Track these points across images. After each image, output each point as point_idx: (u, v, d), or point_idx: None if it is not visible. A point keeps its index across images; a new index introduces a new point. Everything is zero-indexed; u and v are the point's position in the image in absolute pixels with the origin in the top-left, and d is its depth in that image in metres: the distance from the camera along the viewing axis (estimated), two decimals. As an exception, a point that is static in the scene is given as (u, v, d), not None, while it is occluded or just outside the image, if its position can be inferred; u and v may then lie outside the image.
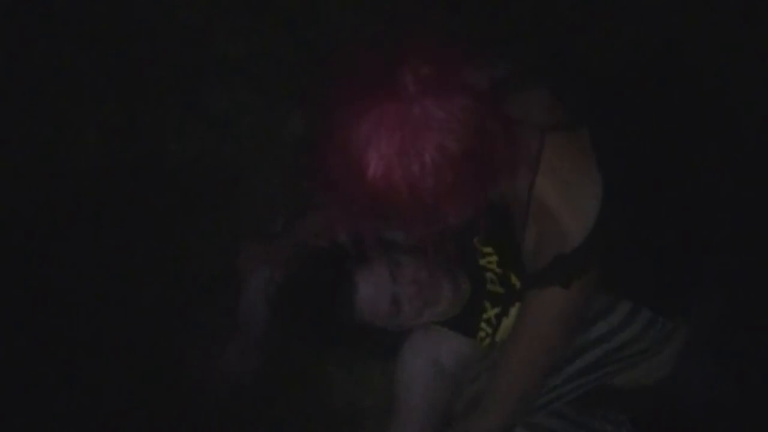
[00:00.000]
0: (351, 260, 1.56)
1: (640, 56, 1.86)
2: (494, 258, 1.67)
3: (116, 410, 1.75)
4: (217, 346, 1.70)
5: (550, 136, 1.29)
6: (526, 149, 1.28)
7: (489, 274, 1.65)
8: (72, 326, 1.79)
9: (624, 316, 1.45)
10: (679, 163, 1.42)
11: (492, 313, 1.63)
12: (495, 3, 2.00)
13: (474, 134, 1.16)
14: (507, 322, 1.62)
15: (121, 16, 2.04)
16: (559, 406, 1.55)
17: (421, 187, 1.15)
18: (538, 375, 1.42)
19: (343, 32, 2.00)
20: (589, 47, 1.95)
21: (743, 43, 1.93)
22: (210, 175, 1.94)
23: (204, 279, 1.84)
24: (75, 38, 2.02)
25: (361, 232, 1.42)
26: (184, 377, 1.74)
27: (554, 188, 1.29)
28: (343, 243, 1.56)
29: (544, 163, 1.28)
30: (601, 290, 1.40)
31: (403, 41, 1.18)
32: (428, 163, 1.14)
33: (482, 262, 1.67)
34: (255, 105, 1.99)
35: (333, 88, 1.18)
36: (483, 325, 1.63)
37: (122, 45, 2.03)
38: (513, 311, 1.62)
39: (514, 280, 1.65)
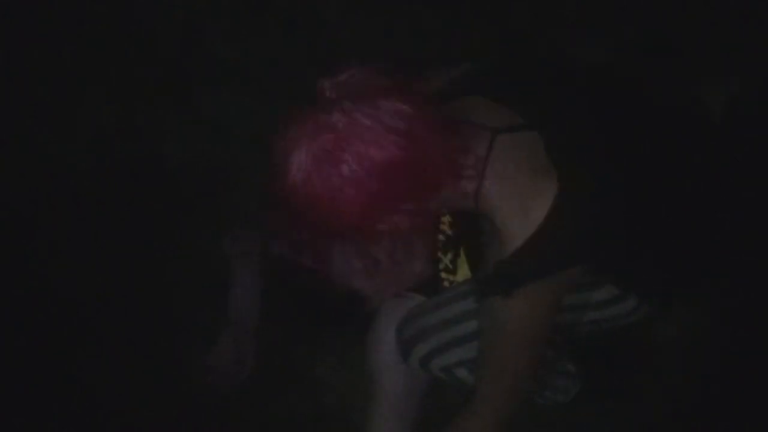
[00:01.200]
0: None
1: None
2: None
3: (110, 411, 1.75)
4: (212, 341, 1.71)
5: (500, 138, 1.23)
6: (473, 153, 1.21)
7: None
8: (69, 326, 1.79)
9: (609, 296, 1.41)
10: (654, 162, 1.35)
11: (447, 259, 1.60)
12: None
13: (404, 141, 1.10)
14: (461, 260, 1.59)
15: (118, 18, 2.04)
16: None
17: (342, 198, 1.10)
18: (509, 388, 1.31)
19: (341, 34, 2.00)
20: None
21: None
22: (206, 177, 1.94)
23: (200, 280, 1.83)
24: (71, 40, 2.03)
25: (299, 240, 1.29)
26: (179, 377, 1.75)
27: (499, 192, 1.22)
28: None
29: (491, 166, 1.22)
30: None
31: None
32: (347, 173, 1.09)
33: None
34: (251, 107, 1.99)
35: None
36: (443, 275, 1.59)
37: (118, 46, 2.03)
38: (463, 249, 1.59)
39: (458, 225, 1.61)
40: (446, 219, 1.60)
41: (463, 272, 1.59)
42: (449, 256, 1.60)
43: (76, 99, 2.00)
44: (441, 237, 1.60)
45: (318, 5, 2.06)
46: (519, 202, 1.21)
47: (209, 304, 1.79)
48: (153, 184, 1.93)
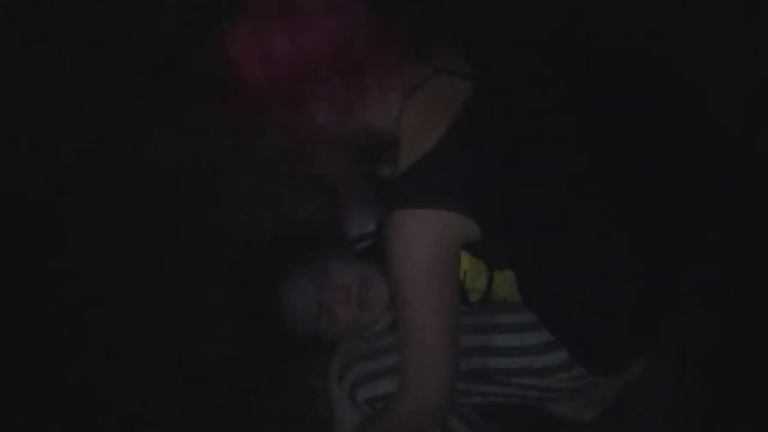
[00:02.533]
0: (279, 273, 1.56)
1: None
2: None
3: (106, 412, 1.76)
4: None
5: (437, 76, 1.30)
6: (407, 77, 1.29)
7: None
8: (55, 329, 1.81)
9: (540, 343, 1.39)
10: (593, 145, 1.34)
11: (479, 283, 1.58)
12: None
13: (341, 30, 1.21)
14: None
15: (102, 26, 2.05)
16: (468, 412, 1.52)
17: (279, 72, 1.21)
18: (422, 350, 1.30)
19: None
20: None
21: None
22: (191, 182, 1.95)
23: (187, 283, 1.85)
24: (56, 48, 2.04)
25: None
26: (171, 381, 1.76)
27: (414, 118, 1.28)
28: None
29: (419, 95, 1.28)
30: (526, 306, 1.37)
31: None
32: (286, 48, 1.20)
33: None
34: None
35: None
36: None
37: (103, 54, 2.04)
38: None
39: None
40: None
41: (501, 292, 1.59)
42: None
43: (63, 106, 2.01)
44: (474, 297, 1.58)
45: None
46: (418, 131, 1.28)
47: (198, 305, 1.83)
48: (140, 190, 1.94)
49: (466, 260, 1.44)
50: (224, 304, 1.76)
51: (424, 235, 1.26)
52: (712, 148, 1.62)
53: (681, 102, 1.59)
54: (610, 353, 1.40)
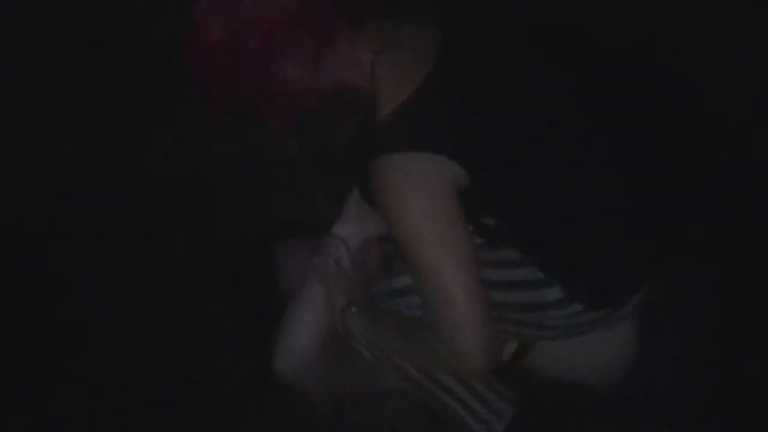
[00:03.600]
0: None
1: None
2: None
3: (97, 416, 1.77)
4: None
5: (407, 29, 1.31)
6: (377, 32, 1.30)
7: None
8: (53, 333, 1.81)
9: (533, 278, 1.36)
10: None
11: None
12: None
13: None
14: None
15: (98, 35, 2.06)
16: None
17: (243, 29, 1.22)
18: (438, 279, 1.28)
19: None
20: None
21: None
22: (187, 190, 1.95)
23: (184, 289, 1.85)
24: (55, 52, 2.05)
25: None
26: (167, 385, 1.77)
27: (385, 69, 1.28)
28: None
29: (391, 48, 1.29)
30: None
31: None
32: (252, 8, 1.21)
33: None
34: (230, 122, 1.92)
35: None
36: None
37: (101, 58, 2.05)
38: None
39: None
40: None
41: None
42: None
43: (60, 114, 2.02)
44: None
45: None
46: (394, 76, 1.27)
47: (197, 310, 1.84)
48: (138, 195, 1.95)
49: None
50: (223, 309, 1.80)
51: (415, 178, 1.24)
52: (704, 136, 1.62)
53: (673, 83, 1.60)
54: (604, 287, 1.37)
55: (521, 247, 1.35)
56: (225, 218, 1.92)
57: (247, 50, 1.25)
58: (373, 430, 1.73)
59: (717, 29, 1.89)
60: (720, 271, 1.74)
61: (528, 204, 1.33)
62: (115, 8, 2.05)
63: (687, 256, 1.48)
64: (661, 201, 1.38)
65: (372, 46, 1.30)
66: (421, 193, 1.25)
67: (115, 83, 2.03)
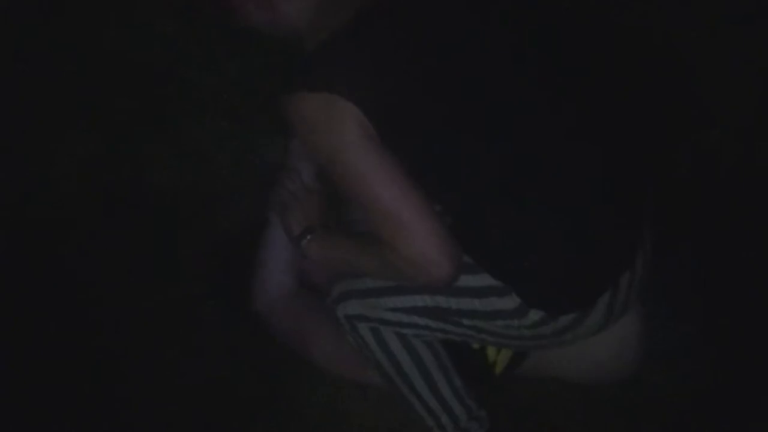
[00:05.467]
0: None
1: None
2: None
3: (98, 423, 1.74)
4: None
5: None
6: None
7: None
8: (55, 346, 1.78)
9: (491, 285, 1.31)
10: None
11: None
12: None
13: None
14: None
15: (98, 47, 2.06)
16: (435, 345, 1.48)
17: None
18: (374, 206, 1.25)
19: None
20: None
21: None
22: (187, 203, 1.94)
23: (184, 301, 1.84)
24: (52, 70, 2.04)
25: None
26: (169, 393, 1.74)
27: (316, 8, 1.30)
28: None
29: None
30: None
31: None
32: None
33: None
34: (230, 133, 2.00)
35: None
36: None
37: (99, 75, 2.05)
38: None
39: None
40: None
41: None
42: None
43: (59, 128, 2.01)
44: None
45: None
46: (324, 21, 1.28)
47: (197, 321, 1.81)
48: (137, 211, 1.93)
49: None
50: (222, 321, 1.80)
51: (314, 117, 1.24)
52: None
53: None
54: (560, 290, 1.31)
55: (463, 244, 1.29)
56: (225, 227, 1.92)
57: None
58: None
59: (717, 29, 1.91)
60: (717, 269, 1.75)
61: (456, 180, 1.29)
62: (115, 18, 2.07)
63: (662, 248, 1.45)
64: (617, 188, 1.31)
65: None
66: (323, 131, 1.24)
67: (114, 93, 2.03)
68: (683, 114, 1.80)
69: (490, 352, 1.58)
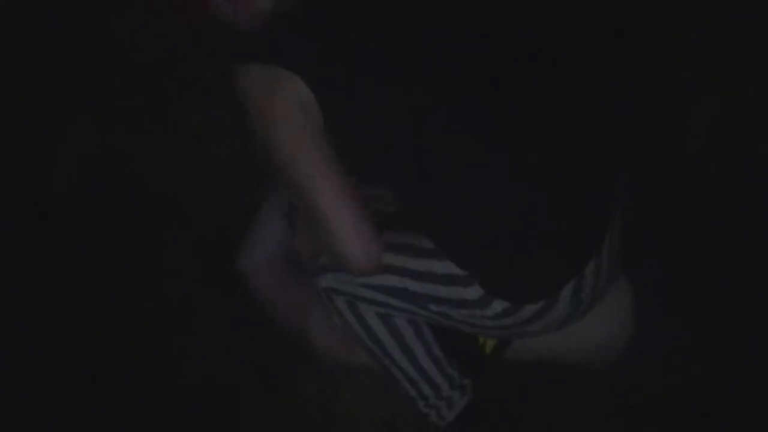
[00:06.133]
0: None
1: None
2: None
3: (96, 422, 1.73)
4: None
5: None
6: None
7: None
8: (51, 340, 1.77)
9: (457, 274, 1.29)
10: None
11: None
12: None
13: None
14: None
15: (95, 41, 2.06)
16: (419, 324, 1.47)
17: None
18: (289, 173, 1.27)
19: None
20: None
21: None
22: (185, 195, 1.93)
23: (181, 295, 1.83)
24: (49, 64, 2.04)
25: None
26: (164, 391, 1.73)
27: None
28: None
29: None
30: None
31: None
32: None
33: None
34: (228, 125, 1.98)
35: None
36: None
37: (97, 68, 2.04)
38: None
39: None
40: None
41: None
42: None
43: (58, 121, 2.01)
44: None
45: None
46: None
47: (193, 315, 1.81)
48: (136, 203, 1.92)
49: None
50: (220, 315, 1.80)
51: (257, 88, 1.24)
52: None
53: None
54: (524, 284, 1.30)
55: (426, 232, 1.30)
56: (223, 221, 1.91)
57: None
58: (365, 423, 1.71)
59: (717, 29, 1.90)
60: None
61: (409, 166, 1.28)
62: (112, 13, 2.06)
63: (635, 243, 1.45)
64: (580, 176, 1.29)
65: None
66: (264, 103, 1.24)
67: (112, 89, 2.03)
68: (654, 101, 1.81)
69: None
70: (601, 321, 1.50)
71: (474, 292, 1.29)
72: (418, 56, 1.25)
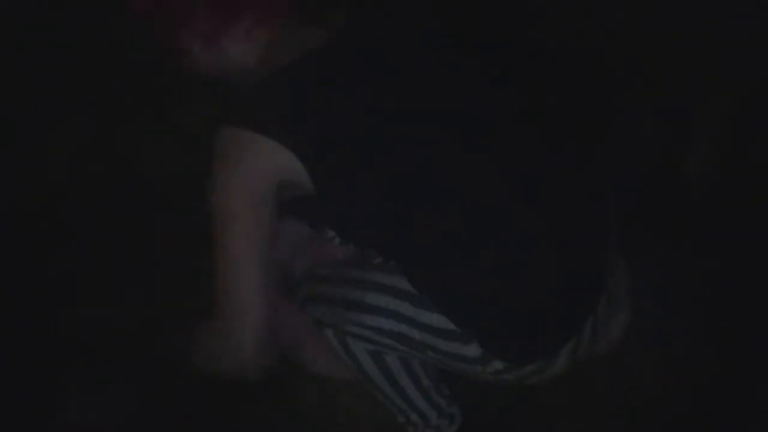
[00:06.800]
0: None
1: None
2: None
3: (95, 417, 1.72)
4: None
5: (307, 27, 1.30)
6: (281, 24, 1.29)
7: None
8: (50, 347, 1.77)
9: (453, 330, 1.28)
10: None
11: None
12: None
13: None
14: None
15: (94, 36, 2.06)
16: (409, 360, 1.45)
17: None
18: (227, 254, 1.27)
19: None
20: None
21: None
22: (182, 190, 1.91)
23: (178, 292, 1.83)
24: (49, 63, 2.04)
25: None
26: (164, 388, 1.73)
27: (266, 53, 1.29)
28: None
29: (283, 39, 1.29)
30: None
31: None
32: None
33: None
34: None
35: None
36: None
37: (96, 68, 2.04)
38: None
39: None
40: None
41: None
42: None
43: (58, 120, 2.01)
44: None
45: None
46: (269, 62, 1.27)
47: (191, 312, 1.73)
48: (135, 203, 1.92)
49: None
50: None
51: (235, 157, 1.23)
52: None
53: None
54: (524, 345, 1.29)
55: (426, 290, 1.27)
56: None
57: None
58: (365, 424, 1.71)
59: (717, 29, 1.91)
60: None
61: (403, 230, 1.25)
62: (112, 14, 2.04)
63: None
64: (575, 238, 1.28)
65: (270, 34, 1.30)
66: (235, 176, 1.24)
67: (108, 84, 2.03)
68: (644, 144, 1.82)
69: None
70: None
71: (474, 350, 1.29)
72: (412, 125, 1.23)
